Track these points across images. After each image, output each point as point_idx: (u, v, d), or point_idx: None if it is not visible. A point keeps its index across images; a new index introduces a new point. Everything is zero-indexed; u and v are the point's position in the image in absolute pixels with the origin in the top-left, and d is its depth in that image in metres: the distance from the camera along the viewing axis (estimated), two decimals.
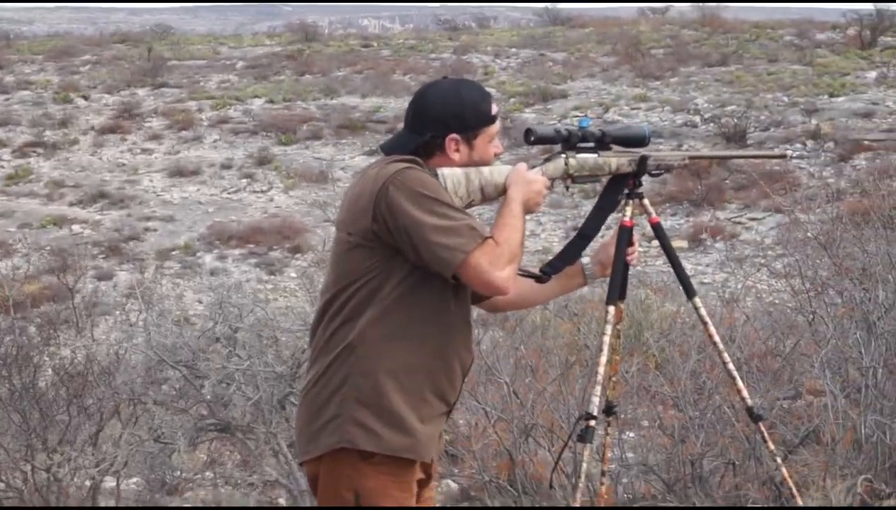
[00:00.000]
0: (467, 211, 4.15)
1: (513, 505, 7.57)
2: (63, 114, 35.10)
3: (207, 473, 9.10)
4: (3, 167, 31.58)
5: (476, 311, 4.51)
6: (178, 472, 8.77)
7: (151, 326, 8.92)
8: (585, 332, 8.59)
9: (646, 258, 17.75)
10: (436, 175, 4.12)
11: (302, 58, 40.92)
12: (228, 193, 29.46)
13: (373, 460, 4.07)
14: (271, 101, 35.57)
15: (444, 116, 4.19)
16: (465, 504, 8.11)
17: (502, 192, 4.22)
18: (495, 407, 7.97)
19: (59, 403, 8.37)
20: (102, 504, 8.02)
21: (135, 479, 8.67)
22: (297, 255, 25.20)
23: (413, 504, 4.18)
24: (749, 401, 5.15)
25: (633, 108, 32.12)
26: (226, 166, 30.91)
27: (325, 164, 30.27)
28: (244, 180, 30.17)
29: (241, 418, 7.79)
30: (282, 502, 8.02)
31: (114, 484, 8.14)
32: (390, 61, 40.20)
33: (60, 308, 20.05)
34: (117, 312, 19.72)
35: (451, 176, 4.16)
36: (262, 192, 29.48)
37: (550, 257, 4.63)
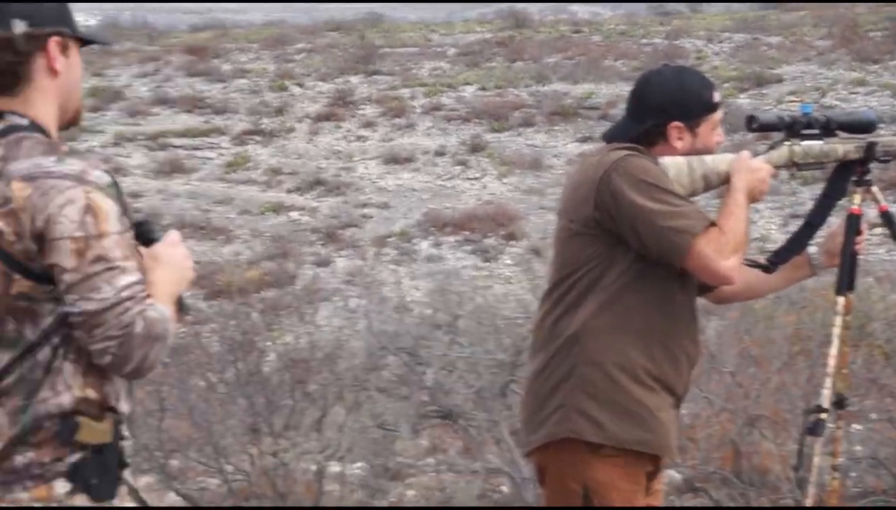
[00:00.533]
0: (690, 199, 4.15)
1: (739, 497, 7.53)
2: (279, 102, 35.59)
3: (430, 460, 9.20)
4: (222, 155, 32.17)
5: (699, 301, 4.50)
6: (401, 459, 8.88)
7: (372, 313, 9.06)
8: (809, 323, 8.48)
9: (868, 246, 17.38)
10: (658, 163, 4.13)
11: (513, 44, 40.86)
12: (442, 180, 29.58)
13: (601, 452, 4.09)
14: (483, 88, 35.56)
15: (666, 104, 4.20)
16: (689, 495, 8.09)
17: (725, 180, 4.20)
18: (718, 396, 7.92)
19: (283, 388, 8.54)
20: (329, 488, 8.18)
21: (359, 464, 8.80)
22: (512, 243, 25.15)
23: (642, 497, 4.19)
24: None
25: (851, 93, 31.36)
26: (439, 153, 31.01)
27: (537, 152, 30.21)
28: (458, 167, 30.24)
29: (462, 405, 7.87)
30: (504, 489, 8.09)
31: (339, 469, 8.28)
32: (601, 47, 39.87)
33: (281, 294, 20.46)
34: (336, 298, 20.04)
35: (674, 164, 4.16)
36: (476, 179, 29.54)
37: (769, 246, 4.60)
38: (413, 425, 8.52)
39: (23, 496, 3.00)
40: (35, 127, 3.12)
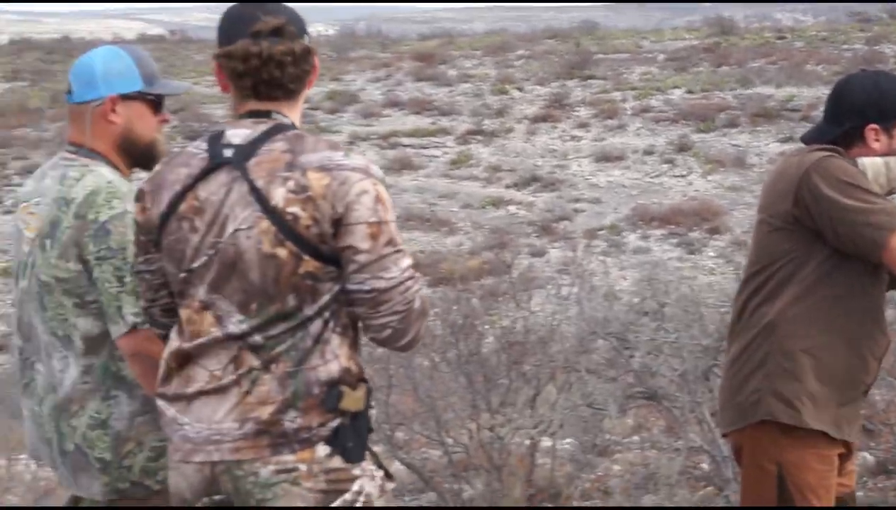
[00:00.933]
0: (887, 197, 4.07)
1: None
2: (500, 104, 35.80)
3: (635, 437, 9.15)
4: (447, 153, 32.47)
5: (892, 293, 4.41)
6: (608, 436, 8.85)
7: (583, 300, 9.04)
8: None
9: None
10: (855, 164, 4.06)
11: (719, 50, 40.41)
12: (650, 177, 29.42)
13: (795, 434, 4.03)
14: (690, 91, 35.27)
15: (863, 107, 4.12)
16: (881, 477, 7.89)
17: None
18: None
19: (500, 368, 8.57)
20: (541, 461, 8.19)
21: (568, 440, 8.78)
22: (716, 236, 24.91)
23: (834, 477, 4.12)
24: None
25: None
26: (648, 152, 30.86)
27: (741, 151, 29.81)
28: (665, 165, 30.05)
29: (667, 387, 7.80)
30: (704, 467, 8.00)
31: (550, 443, 8.29)
32: (803, 52, 39.16)
33: (499, 281, 20.54)
34: (549, 286, 20.04)
35: (872, 165, 4.08)
36: (682, 176, 29.31)
37: None
38: (620, 405, 8.46)
39: (289, 458, 3.10)
40: (295, 127, 3.25)
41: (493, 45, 44.88)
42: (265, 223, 3.07)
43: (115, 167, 3.86)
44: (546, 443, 8.37)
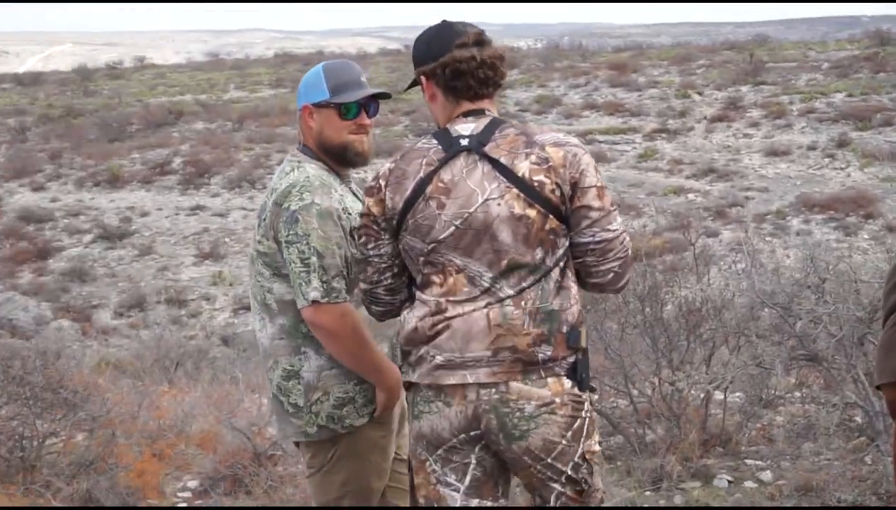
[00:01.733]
0: None
1: None
2: (682, 106, 35.35)
3: (796, 393, 8.93)
4: (635, 148, 32.21)
5: None
6: (773, 391, 8.65)
7: (753, 274, 8.84)
8: None
9: None
10: None
11: (878, 59, 39.00)
12: (813, 170, 28.65)
13: None
14: (850, 95, 34.19)
15: None
16: None
17: None
18: None
19: (680, 332, 8.47)
20: (713, 412, 8.06)
21: (738, 394, 8.62)
22: (870, 221, 24.15)
23: None
24: None
25: None
26: (811, 148, 30.06)
27: (894, 147, 28.76)
28: (826, 159, 29.23)
29: (825, 351, 7.58)
30: (858, 420, 7.74)
31: (721, 396, 8.15)
32: None
33: (678, 258, 20.28)
34: (722, 263, 19.70)
35: None
36: (841, 169, 28.45)
37: None
38: (784, 365, 8.25)
39: (539, 386, 3.23)
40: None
41: (678, 56, 44.21)
42: (514, 191, 3.19)
43: (325, 163, 3.92)
44: (718, 396, 8.24)
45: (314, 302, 3.65)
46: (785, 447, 7.81)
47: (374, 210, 3.35)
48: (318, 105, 3.90)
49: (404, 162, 3.33)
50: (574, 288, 3.30)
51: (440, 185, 3.25)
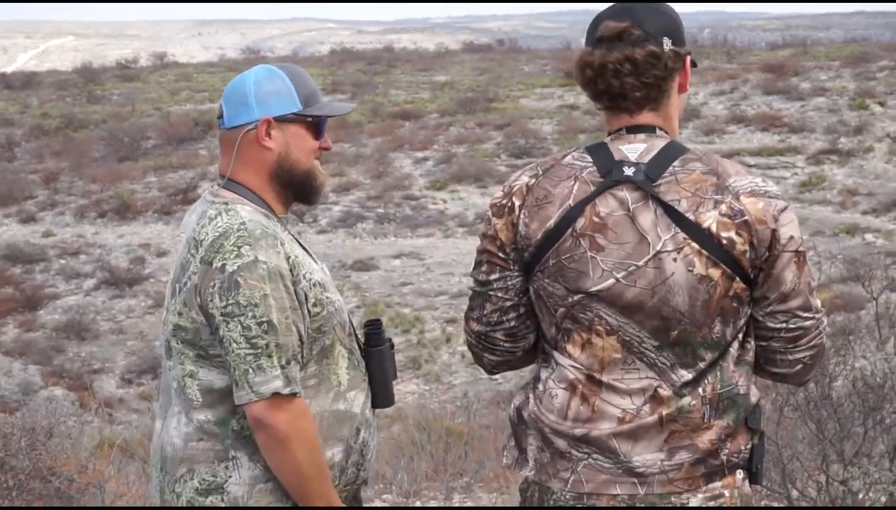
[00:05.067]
0: None
1: None
2: (858, 120, 35.10)
3: None
4: (796, 174, 32.06)
5: None
6: None
7: None
8: None
9: None
10: None
11: None
12: None
13: None
14: None
15: None
16: None
17: None
18: None
19: (854, 416, 8.39)
20: None
21: None
22: None
23: None
24: None
25: None
26: None
27: None
28: None
29: None
30: None
31: None
32: None
33: (852, 318, 20.07)
34: None
35: None
36: None
37: None
38: None
39: (716, 485, 3.20)
40: (683, 146, 3.30)
41: (853, 54, 43.96)
42: (695, 246, 3.13)
43: (265, 204, 3.72)
44: None
45: (267, 396, 3.44)
46: None
47: (503, 236, 3.32)
48: (285, 119, 3.72)
49: (549, 180, 3.28)
50: (751, 361, 3.27)
51: (596, 220, 3.20)
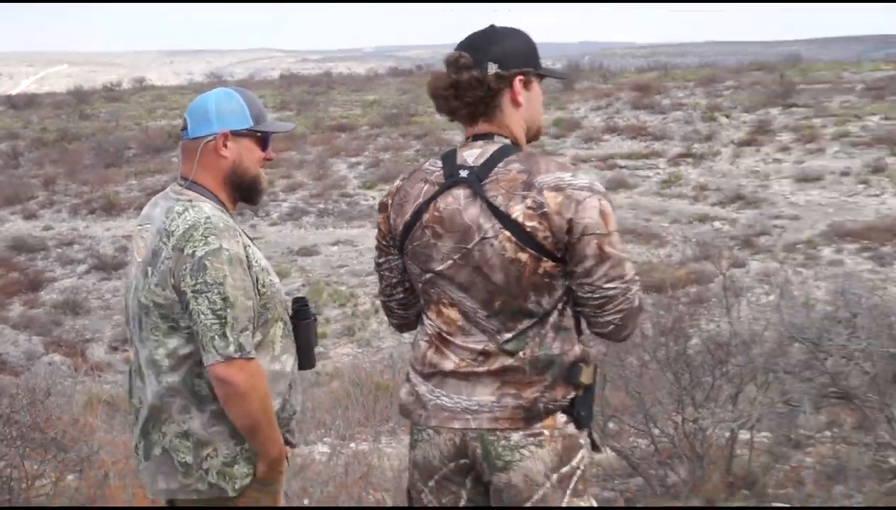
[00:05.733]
0: None
1: None
2: (708, 130, 35.37)
3: (827, 432, 8.91)
4: (658, 173, 32.24)
5: None
6: (802, 431, 8.64)
7: (782, 307, 8.83)
8: None
9: None
10: None
11: None
12: (846, 197, 28.61)
13: None
14: (887, 118, 34.16)
15: None
16: None
17: None
18: None
19: (704, 368, 8.47)
20: (739, 452, 8.03)
21: (765, 434, 8.62)
22: None
23: None
24: None
25: None
26: (844, 174, 30.03)
27: None
28: (860, 186, 29.18)
29: (857, 389, 7.58)
30: (892, 461, 7.72)
31: (748, 436, 8.13)
32: None
33: (703, 290, 20.25)
34: (749, 295, 19.67)
35: None
36: (876, 195, 28.40)
37: None
38: (814, 403, 8.24)
39: (537, 426, 3.26)
40: (517, 145, 3.38)
41: (704, 76, 44.25)
42: (507, 233, 3.20)
43: (220, 202, 3.80)
44: (744, 435, 8.22)
45: (229, 358, 3.53)
46: (814, 490, 7.78)
47: (382, 227, 3.49)
48: (238, 133, 3.79)
49: (409, 183, 3.42)
50: (574, 327, 3.31)
51: (436, 214, 3.30)
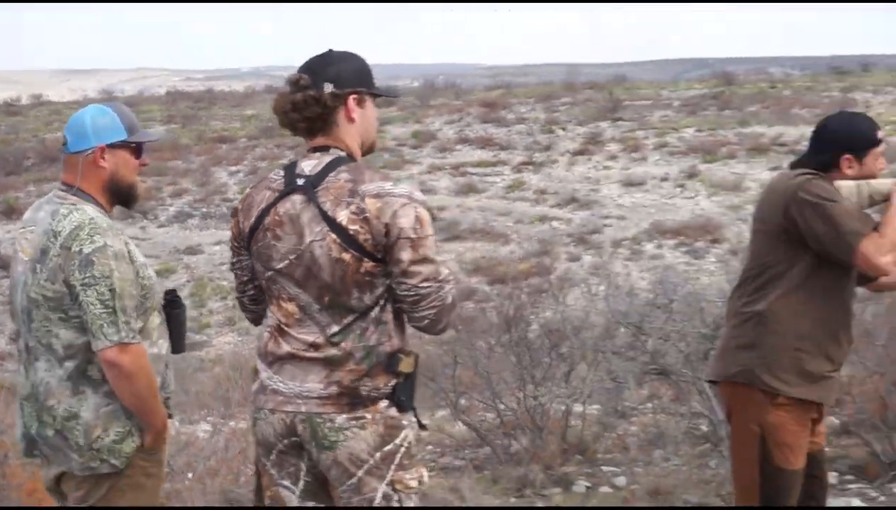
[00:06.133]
0: (859, 211, 4.01)
1: (884, 439, 7.13)
2: (547, 141, 35.73)
3: (648, 405, 9.07)
4: (504, 179, 32.45)
5: (859, 289, 4.32)
6: (627, 403, 8.78)
7: (609, 296, 8.95)
8: None
9: None
10: (833, 185, 4.01)
11: (723, 97, 40.01)
12: (665, 199, 29.18)
13: (777, 401, 4.02)
14: (699, 130, 34.97)
15: (840, 140, 4.12)
16: (844, 436, 7.70)
17: (886, 198, 4.09)
18: (872, 362, 7.58)
19: (542, 350, 8.54)
20: (573, 423, 8.10)
21: (595, 406, 8.73)
22: (716, 245, 24.70)
23: (807, 436, 4.08)
24: None
25: None
26: (664, 179, 30.62)
27: (738, 178, 29.48)
28: (677, 189, 29.80)
29: (674, 365, 7.71)
30: (703, 428, 7.87)
31: (581, 409, 8.21)
32: (791, 99, 38.69)
33: (543, 281, 20.46)
34: (582, 285, 19.93)
35: (846, 186, 4.07)
36: (691, 198, 29.03)
37: None
38: (637, 379, 8.39)
39: (360, 410, 3.25)
40: (351, 157, 3.37)
41: (544, 94, 44.70)
42: (333, 235, 3.21)
43: (100, 206, 3.77)
44: (577, 408, 8.30)
45: (117, 343, 3.54)
46: (638, 454, 7.90)
47: (234, 230, 3.47)
48: (114, 145, 3.76)
49: (256, 190, 3.43)
50: (395, 321, 3.31)
51: (276, 218, 3.31)
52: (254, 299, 3.53)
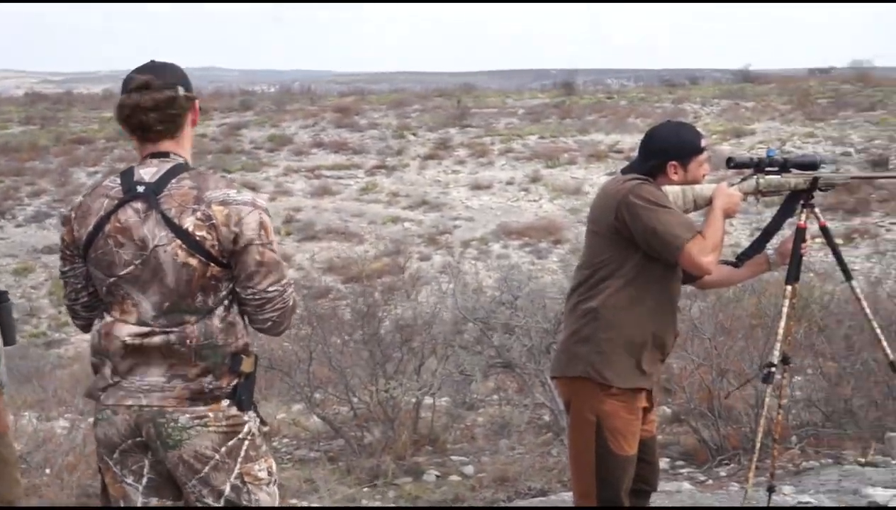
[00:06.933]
0: (684, 214, 4.12)
1: (711, 426, 7.38)
2: (399, 146, 35.78)
3: (494, 396, 9.15)
4: (358, 182, 32.37)
5: (687, 287, 4.46)
6: (475, 395, 8.84)
7: (458, 294, 9.01)
8: (766, 304, 8.33)
9: (810, 251, 17.02)
10: (660, 189, 4.11)
11: (564, 106, 40.71)
12: (511, 202, 29.54)
13: (609, 392, 4.09)
14: (542, 137, 35.49)
15: (666, 148, 4.21)
16: (675, 425, 7.94)
17: (709, 202, 4.21)
18: (699, 355, 7.81)
19: (394, 345, 8.54)
20: (423, 415, 8.12)
21: (445, 399, 8.76)
22: (558, 246, 25.12)
23: (638, 424, 4.18)
24: (891, 356, 4.94)
25: (803, 142, 30.92)
26: (509, 183, 30.99)
27: (578, 182, 30.06)
28: (522, 192, 30.20)
29: (518, 359, 7.81)
30: (546, 418, 8.00)
31: (431, 401, 8.25)
32: (627, 109, 39.61)
33: (395, 280, 20.45)
34: (433, 283, 20.03)
35: (672, 191, 4.16)
36: (535, 201, 29.45)
37: (741, 250, 4.61)
38: (484, 372, 8.46)
39: (202, 409, 3.19)
40: (188, 164, 3.31)
41: (396, 100, 44.75)
42: (178, 241, 3.15)
43: None
44: (428, 400, 8.33)
45: None
46: (484, 444, 7.97)
47: (66, 238, 3.34)
48: None
49: (90, 198, 3.30)
50: (240, 322, 3.26)
51: (117, 225, 3.21)
52: (87, 306, 3.39)
